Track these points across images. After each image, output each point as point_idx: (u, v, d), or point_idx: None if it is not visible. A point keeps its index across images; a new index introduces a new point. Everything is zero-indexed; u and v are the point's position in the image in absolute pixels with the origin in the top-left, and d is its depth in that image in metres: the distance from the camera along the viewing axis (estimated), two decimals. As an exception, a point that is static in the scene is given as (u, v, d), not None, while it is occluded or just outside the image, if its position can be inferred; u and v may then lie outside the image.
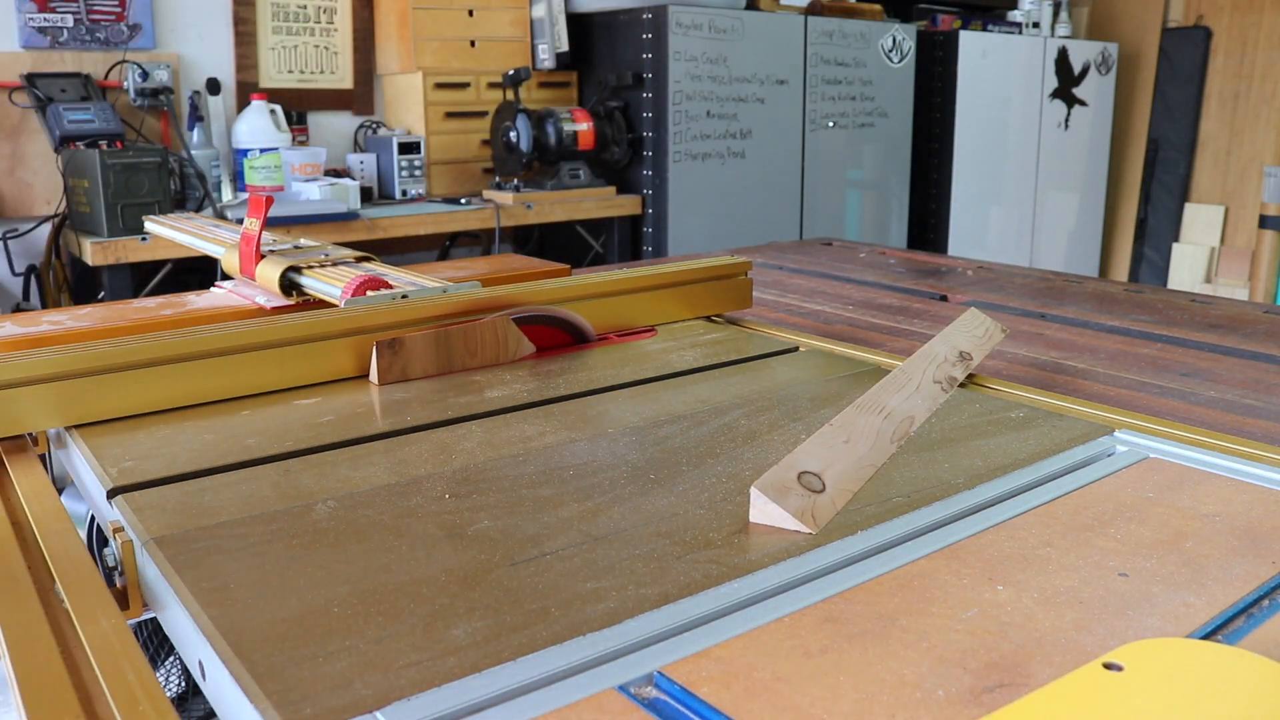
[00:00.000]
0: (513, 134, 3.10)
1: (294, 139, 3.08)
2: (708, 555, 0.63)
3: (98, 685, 0.52)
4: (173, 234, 1.69)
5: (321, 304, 1.21)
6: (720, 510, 0.70)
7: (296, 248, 1.41)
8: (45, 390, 0.87)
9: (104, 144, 2.53)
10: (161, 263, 2.56)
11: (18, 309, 2.79)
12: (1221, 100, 4.83)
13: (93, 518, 0.85)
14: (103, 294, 2.58)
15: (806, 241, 2.60)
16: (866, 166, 3.83)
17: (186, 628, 0.58)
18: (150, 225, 1.81)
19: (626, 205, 3.29)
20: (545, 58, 3.36)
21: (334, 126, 3.33)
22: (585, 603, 0.57)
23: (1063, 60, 4.47)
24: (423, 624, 0.55)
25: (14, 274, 2.79)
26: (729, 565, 0.62)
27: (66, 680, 0.52)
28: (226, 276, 1.44)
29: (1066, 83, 4.51)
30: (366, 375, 1.03)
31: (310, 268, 1.28)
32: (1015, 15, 4.71)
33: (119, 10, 2.84)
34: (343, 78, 3.33)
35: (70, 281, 2.81)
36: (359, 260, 1.35)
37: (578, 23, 3.41)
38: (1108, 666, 0.45)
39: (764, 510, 0.68)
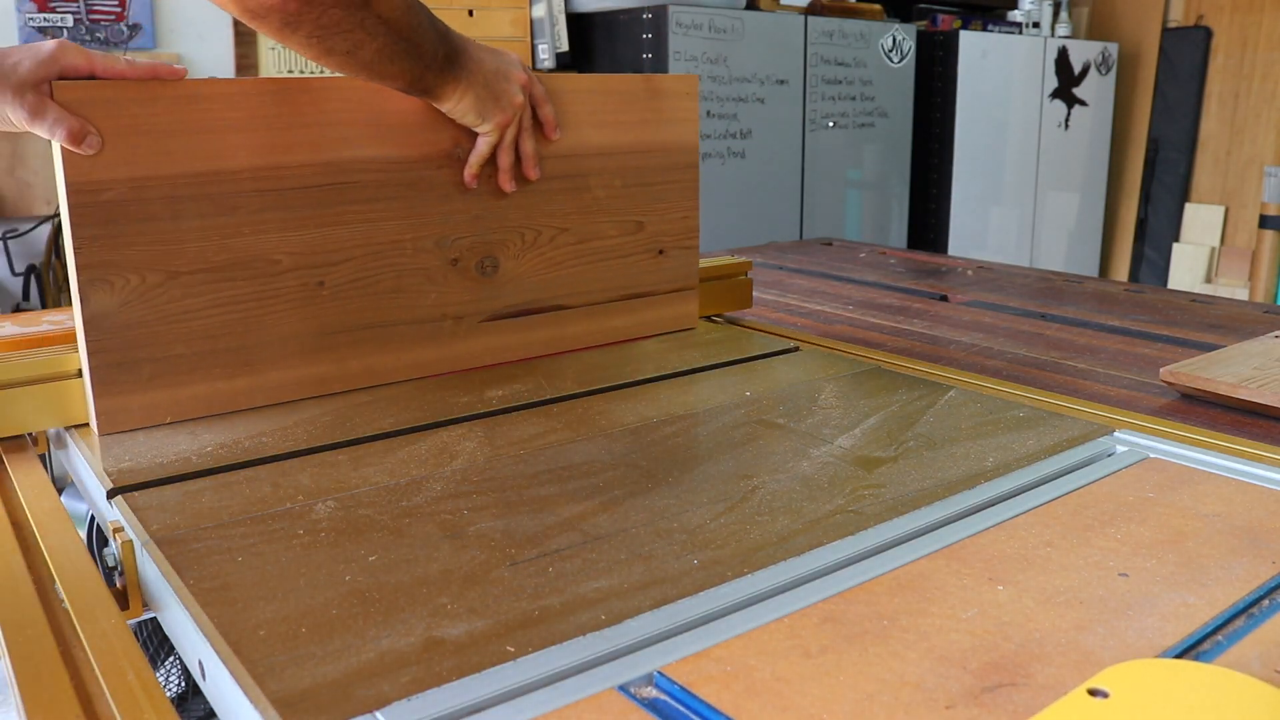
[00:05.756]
0: (513, 134, 3.10)
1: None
2: (708, 555, 0.63)
3: (98, 685, 0.52)
4: (173, 234, 1.68)
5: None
6: (720, 510, 0.70)
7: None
8: (45, 390, 0.87)
9: (104, 144, 2.53)
10: (161, 263, 2.56)
11: (18, 309, 2.79)
12: (1221, 100, 4.83)
13: (93, 518, 0.85)
14: (103, 294, 2.58)
15: (806, 241, 2.60)
16: (866, 166, 3.83)
17: (186, 628, 0.58)
18: (150, 225, 1.80)
19: (626, 205, 3.29)
20: (545, 58, 3.36)
21: (334, 126, 3.33)
22: (585, 603, 0.57)
23: (1063, 60, 4.47)
24: (423, 624, 0.55)
25: (14, 274, 2.79)
26: (729, 565, 0.62)
27: (66, 680, 0.52)
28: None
29: (1066, 83, 4.51)
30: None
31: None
32: (1015, 15, 4.71)
33: (119, 10, 2.84)
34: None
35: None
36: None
37: (578, 22, 3.41)
38: (1092, 693, 0.45)
39: None
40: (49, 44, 0.80)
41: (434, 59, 0.87)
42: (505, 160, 1.02)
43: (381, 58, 0.81)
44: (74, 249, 0.82)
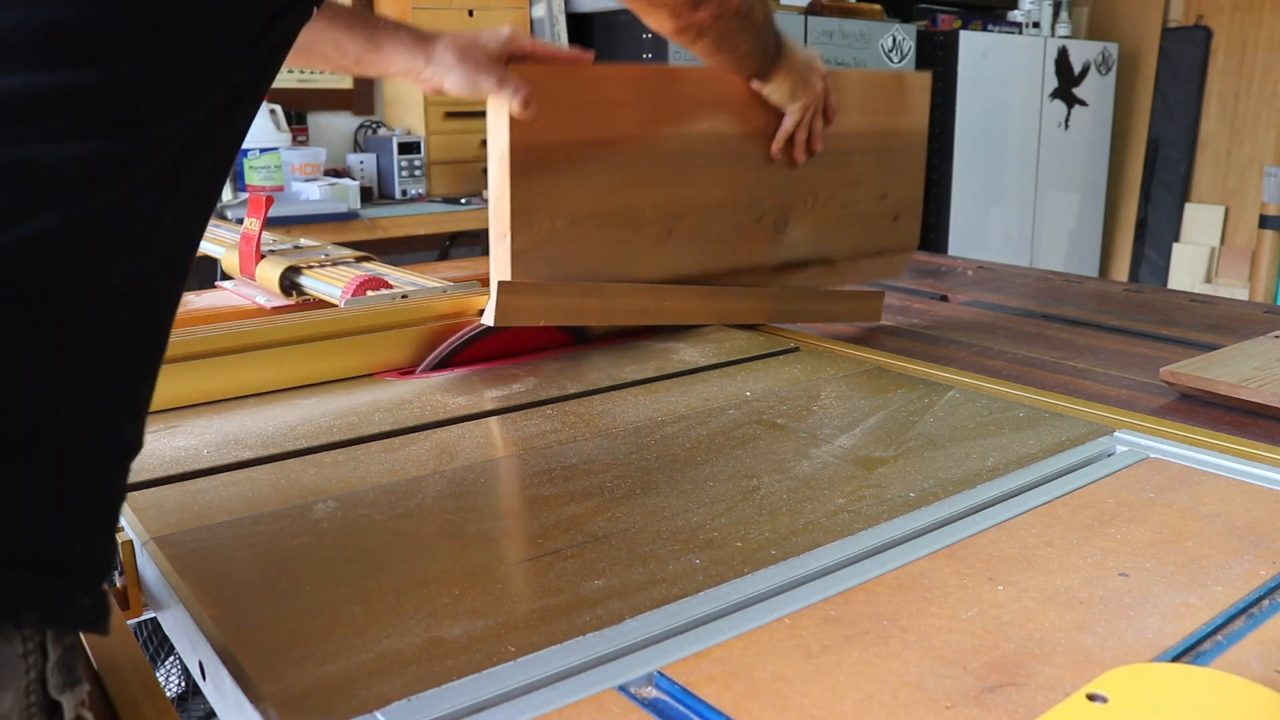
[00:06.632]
0: (513, 134, 3.10)
1: (294, 139, 3.08)
2: (708, 555, 0.63)
3: (98, 685, 0.52)
4: (173, 234, 1.68)
5: (321, 304, 1.21)
6: (720, 510, 0.70)
7: (296, 248, 1.42)
8: (45, 390, 0.86)
9: (104, 144, 2.52)
10: (161, 263, 2.55)
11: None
12: (1221, 100, 4.83)
13: (93, 518, 0.84)
14: (103, 294, 2.57)
15: (806, 241, 2.60)
16: (866, 166, 3.82)
17: (186, 628, 0.58)
18: (150, 225, 1.80)
19: (627, 205, 3.28)
20: (545, 58, 3.35)
21: (334, 126, 3.33)
22: (585, 603, 0.57)
23: (1063, 60, 4.47)
24: (423, 624, 0.55)
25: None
26: (729, 565, 0.62)
27: (66, 680, 0.52)
28: (226, 276, 1.44)
29: (1066, 83, 4.51)
30: (366, 375, 1.03)
31: (310, 268, 1.28)
32: (1015, 15, 4.71)
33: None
34: (343, 78, 3.33)
35: (70, 281, 2.81)
36: (359, 260, 1.35)
37: (578, 23, 3.41)
38: (1091, 698, 0.45)
39: None
40: (505, 29, 0.99)
41: (773, 51, 1.07)
42: (801, 136, 1.18)
43: (750, 52, 1.03)
44: (511, 195, 0.98)
